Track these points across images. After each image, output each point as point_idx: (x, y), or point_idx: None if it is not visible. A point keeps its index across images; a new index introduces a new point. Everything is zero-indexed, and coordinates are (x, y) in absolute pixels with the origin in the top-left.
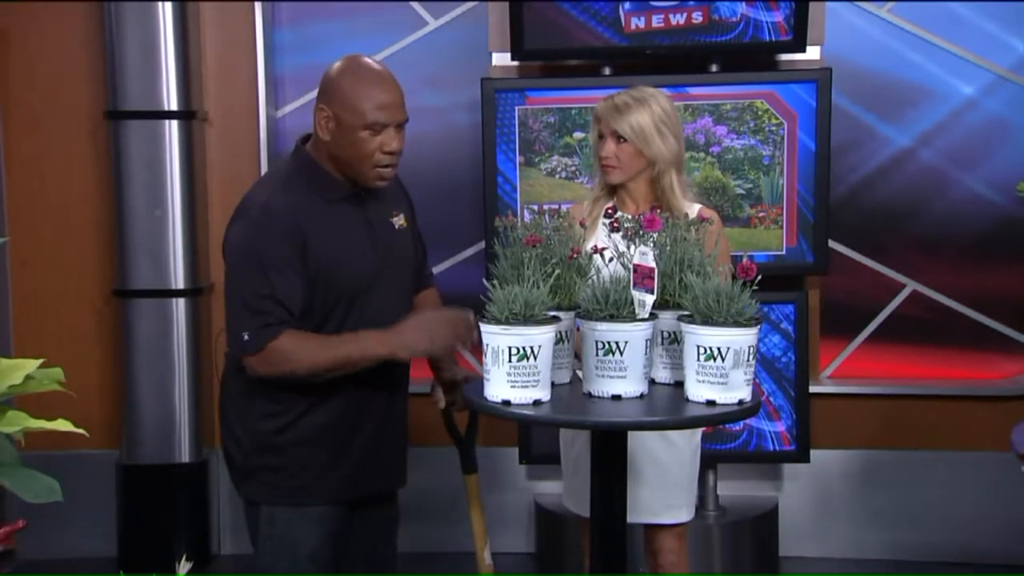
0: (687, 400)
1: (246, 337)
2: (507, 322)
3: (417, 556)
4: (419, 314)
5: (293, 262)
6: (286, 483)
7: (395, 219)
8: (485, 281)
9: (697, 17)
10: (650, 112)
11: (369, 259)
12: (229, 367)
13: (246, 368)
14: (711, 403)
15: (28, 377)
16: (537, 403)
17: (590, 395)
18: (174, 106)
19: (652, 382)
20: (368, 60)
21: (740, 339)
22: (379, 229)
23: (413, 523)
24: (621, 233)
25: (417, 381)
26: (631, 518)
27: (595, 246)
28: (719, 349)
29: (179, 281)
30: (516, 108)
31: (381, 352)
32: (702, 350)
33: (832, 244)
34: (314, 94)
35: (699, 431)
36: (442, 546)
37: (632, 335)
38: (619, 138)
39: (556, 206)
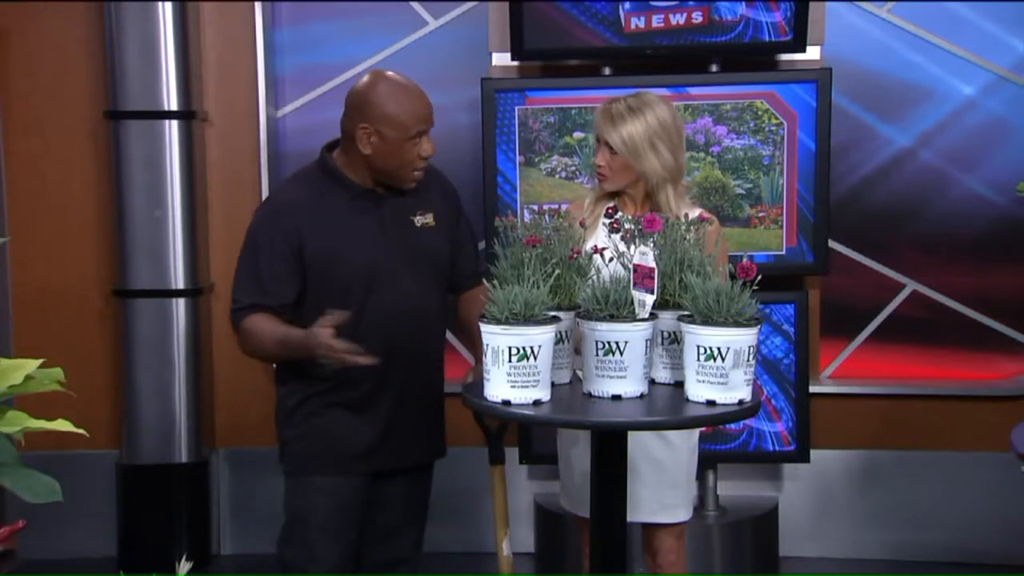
0: (687, 400)
1: (231, 315)
2: (507, 322)
3: None
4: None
5: (282, 249)
6: (301, 453)
7: (418, 218)
8: (485, 281)
9: (697, 17)
10: (644, 124)
11: (369, 252)
12: None
13: None
14: (711, 403)
15: (28, 377)
16: (537, 403)
17: (590, 395)
18: (174, 106)
19: (652, 382)
20: (395, 74)
21: (740, 339)
22: (392, 226)
23: None
24: (620, 235)
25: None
26: (629, 518)
27: (595, 246)
28: (719, 349)
29: (179, 281)
30: (516, 108)
31: (297, 351)
32: (702, 350)
33: (832, 244)
34: (314, 94)
35: (697, 430)
36: (442, 546)
37: (632, 335)
38: (611, 148)
39: (556, 206)
